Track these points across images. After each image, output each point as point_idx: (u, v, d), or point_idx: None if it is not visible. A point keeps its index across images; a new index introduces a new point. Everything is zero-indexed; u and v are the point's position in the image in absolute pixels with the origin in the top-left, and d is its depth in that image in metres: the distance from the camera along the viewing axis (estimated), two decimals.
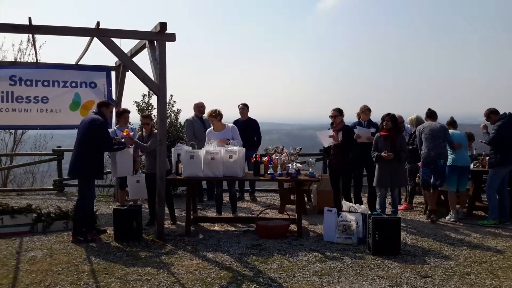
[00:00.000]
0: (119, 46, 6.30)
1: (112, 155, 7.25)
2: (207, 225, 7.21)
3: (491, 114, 7.43)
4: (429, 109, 7.82)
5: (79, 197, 6.42)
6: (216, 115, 7.28)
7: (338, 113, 7.37)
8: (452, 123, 7.94)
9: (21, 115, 7.96)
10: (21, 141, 17.49)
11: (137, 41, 7.17)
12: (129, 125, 8.37)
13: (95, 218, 6.83)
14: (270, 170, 6.69)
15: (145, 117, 7.31)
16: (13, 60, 16.03)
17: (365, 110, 8.09)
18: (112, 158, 7.32)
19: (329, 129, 7.63)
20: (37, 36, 16.35)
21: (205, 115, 7.53)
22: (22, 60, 16.35)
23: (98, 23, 6.09)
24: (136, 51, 7.42)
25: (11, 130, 16.59)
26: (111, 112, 6.91)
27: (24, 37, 16.58)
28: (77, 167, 6.24)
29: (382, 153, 7.06)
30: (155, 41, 6.38)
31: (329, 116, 7.52)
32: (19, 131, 17.06)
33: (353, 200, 7.49)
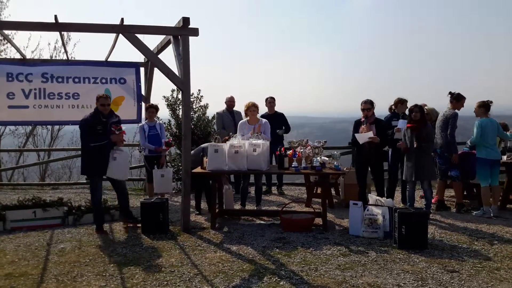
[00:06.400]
0: (143, 42, 6.39)
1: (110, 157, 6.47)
2: (233, 217, 7.25)
3: None
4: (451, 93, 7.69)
5: None
6: (257, 108, 7.54)
7: (371, 106, 7.37)
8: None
9: (53, 111, 8.18)
10: (58, 136, 18.09)
11: (163, 37, 7.25)
12: (158, 120, 8.48)
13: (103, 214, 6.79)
14: (295, 163, 6.64)
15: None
16: (49, 57, 16.57)
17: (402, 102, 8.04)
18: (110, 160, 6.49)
19: (361, 120, 7.48)
20: (71, 35, 16.95)
21: (244, 107, 7.56)
22: (57, 58, 16.87)
23: (122, 20, 6.19)
24: (162, 46, 7.51)
25: (48, 126, 17.20)
26: (102, 104, 6.34)
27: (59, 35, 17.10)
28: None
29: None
30: (178, 36, 6.44)
31: (361, 109, 7.43)
32: (56, 127, 17.64)
33: (385, 194, 7.53)
